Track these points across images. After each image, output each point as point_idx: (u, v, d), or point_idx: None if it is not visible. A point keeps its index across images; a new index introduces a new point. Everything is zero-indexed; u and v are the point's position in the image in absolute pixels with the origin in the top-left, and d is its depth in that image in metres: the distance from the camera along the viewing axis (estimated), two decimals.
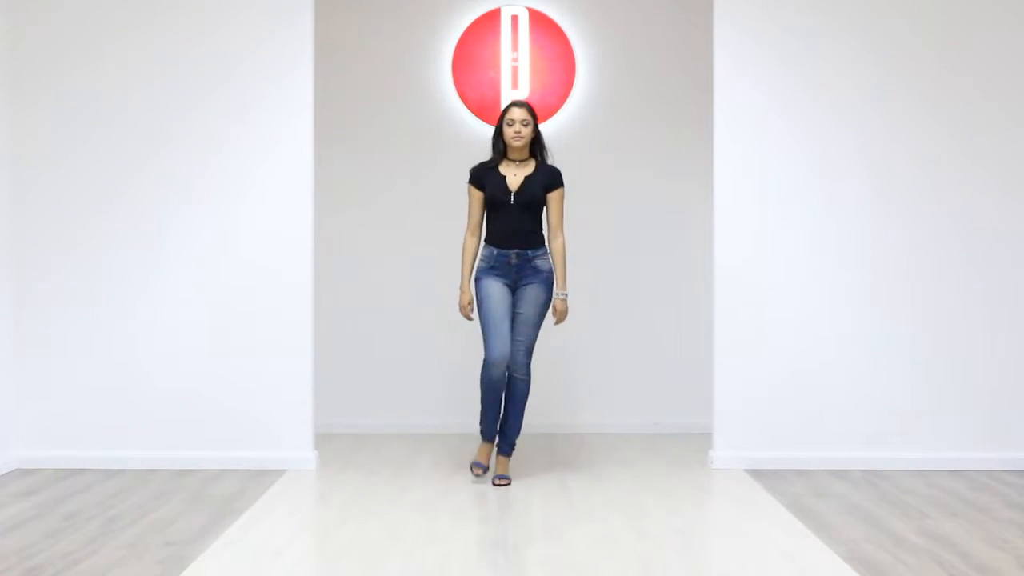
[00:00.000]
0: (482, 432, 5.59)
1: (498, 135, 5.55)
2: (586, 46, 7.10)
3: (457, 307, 5.70)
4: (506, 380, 5.49)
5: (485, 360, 5.43)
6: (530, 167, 5.54)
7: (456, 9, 7.09)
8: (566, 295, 5.55)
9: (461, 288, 5.55)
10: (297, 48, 5.86)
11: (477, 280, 5.52)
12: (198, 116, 5.86)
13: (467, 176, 5.60)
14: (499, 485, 5.39)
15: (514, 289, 5.50)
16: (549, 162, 5.59)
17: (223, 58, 5.87)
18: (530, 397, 5.66)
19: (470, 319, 5.58)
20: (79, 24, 5.87)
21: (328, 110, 6.75)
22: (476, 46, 7.04)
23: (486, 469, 5.53)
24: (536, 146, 5.57)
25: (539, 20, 7.06)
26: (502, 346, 5.38)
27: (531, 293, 5.49)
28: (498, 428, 5.58)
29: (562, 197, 5.55)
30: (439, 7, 7.10)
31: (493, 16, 7.06)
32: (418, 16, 7.10)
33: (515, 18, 7.04)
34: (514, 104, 5.54)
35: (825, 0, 5.93)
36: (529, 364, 5.52)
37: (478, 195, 5.54)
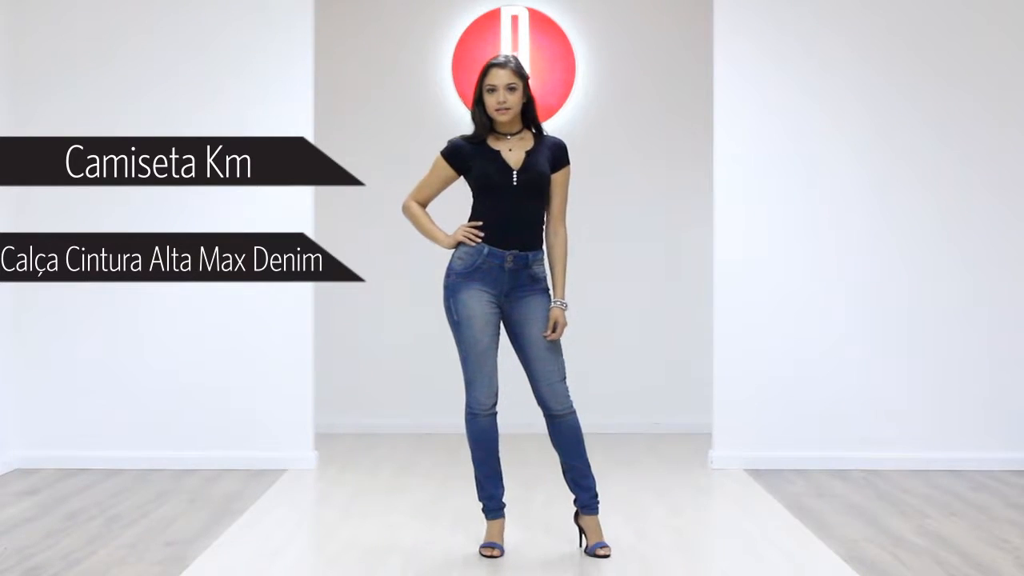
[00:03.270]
0: (484, 508, 4.22)
1: (479, 105, 4.17)
2: (586, 46, 7.10)
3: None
4: (548, 423, 4.25)
5: (468, 406, 4.16)
6: (528, 141, 4.18)
7: (456, 9, 7.09)
8: (566, 304, 4.21)
9: (438, 241, 4.25)
10: (297, 48, 5.87)
11: (453, 290, 4.21)
12: (199, 118, 5.86)
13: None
14: (601, 556, 4.14)
15: (502, 305, 4.17)
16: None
17: (224, 59, 5.88)
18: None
19: (474, 240, 4.16)
20: (80, 27, 5.87)
21: (328, 110, 6.74)
22: (476, 46, 7.04)
23: (503, 550, 4.19)
24: (529, 115, 4.18)
25: (539, 20, 7.06)
26: (489, 386, 4.13)
27: (539, 307, 4.15)
28: (501, 493, 4.23)
29: (569, 178, 4.23)
30: (439, 7, 7.10)
31: (493, 16, 7.06)
32: (418, 16, 7.10)
33: (515, 18, 7.04)
34: (494, 64, 4.12)
35: (825, 3, 5.94)
36: (568, 393, 4.23)
37: (446, 174, 4.20)
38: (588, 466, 4.24)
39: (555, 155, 4.18)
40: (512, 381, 4.71)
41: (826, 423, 5.90)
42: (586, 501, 4.21)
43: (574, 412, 4.23)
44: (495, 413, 4.20)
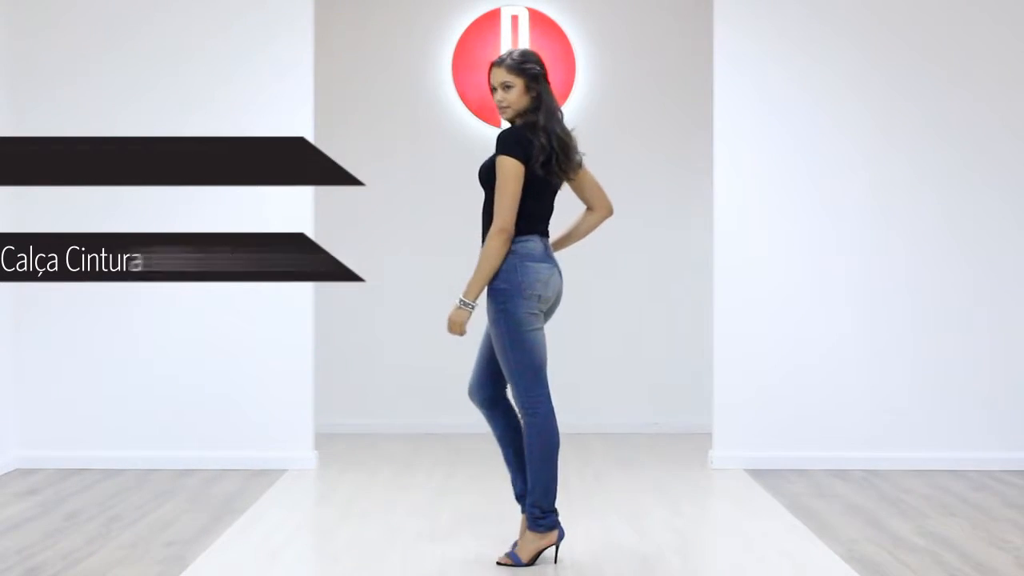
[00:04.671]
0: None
1: None
2: (586, 46, 7.09)
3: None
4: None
5: None
6: None
7: (456, 9, 7.09)
8: (463, 304, 3.98)
9: None
10: (297, 48, 5.87)
11: None
12: (199, 118, 5.86)
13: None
14: (499, 563, 4.08)
15: None
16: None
17: (223, 59, 5.88)
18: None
19: None
20: (80, 27, 5.87)
21: (328, 110, 6.74)
22: (476, 46, 7.04)
23: (513, 559, 4.07)
24: (538, 112, 4.06)
25: (539, 20, 7.06)
26: (471, 377, 4.24)
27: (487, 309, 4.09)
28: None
29: (502, 172, 3.96)
30: (439, 7, 7.10)
31: (493, 16, 7.06)
32: (418, 16, 7.10)
33: (515, 18, 7.04)
34: (493, 64, 4.13)
35: (824, 2, 5.94)
36: (522, 399, 4.02)
37: None
38: (531, 476, 4.04)
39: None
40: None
41: (826, 423, 5.90)
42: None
43: (525, 419, 4.04)
44: (489, 407, 4.17)
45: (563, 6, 7.09)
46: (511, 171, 3.95)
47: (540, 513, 4.03)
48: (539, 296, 4.02)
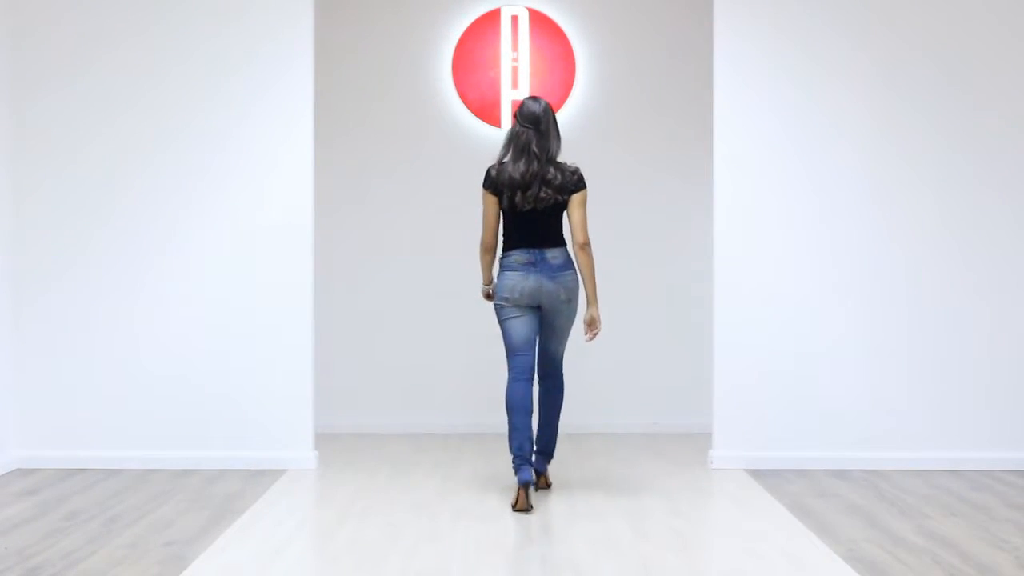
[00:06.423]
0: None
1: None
2: (586, 46, 7.09)
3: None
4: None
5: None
6: None
7: (456, 9, 7.09)
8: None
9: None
10: (297, 48, 5.86)
11: None
12: (198, 118, 5.86)
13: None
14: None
15: None
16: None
17: (223, 59, 5.88)
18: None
19: None
20: (80, 27, 5.87)
21: (328, 110, 6.74)
22: (476, 46, 7.04)
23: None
24: None
25: (539, 20, 7.06)
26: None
27: None
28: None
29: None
30: (439, 7, 7.10)
31: (493, 16, 7.06)
32: (418, 16, 7.10)
33: (515, 18, 7.04)
34: None
35: (825, 4, 5.94)
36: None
37: None
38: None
39: None
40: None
41: (826, 423, 5.90)
42: None
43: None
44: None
45: (563, 6, 7.09)
46: (482, 198, 5.13)
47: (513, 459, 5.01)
48: (507, 298, 5.09)
